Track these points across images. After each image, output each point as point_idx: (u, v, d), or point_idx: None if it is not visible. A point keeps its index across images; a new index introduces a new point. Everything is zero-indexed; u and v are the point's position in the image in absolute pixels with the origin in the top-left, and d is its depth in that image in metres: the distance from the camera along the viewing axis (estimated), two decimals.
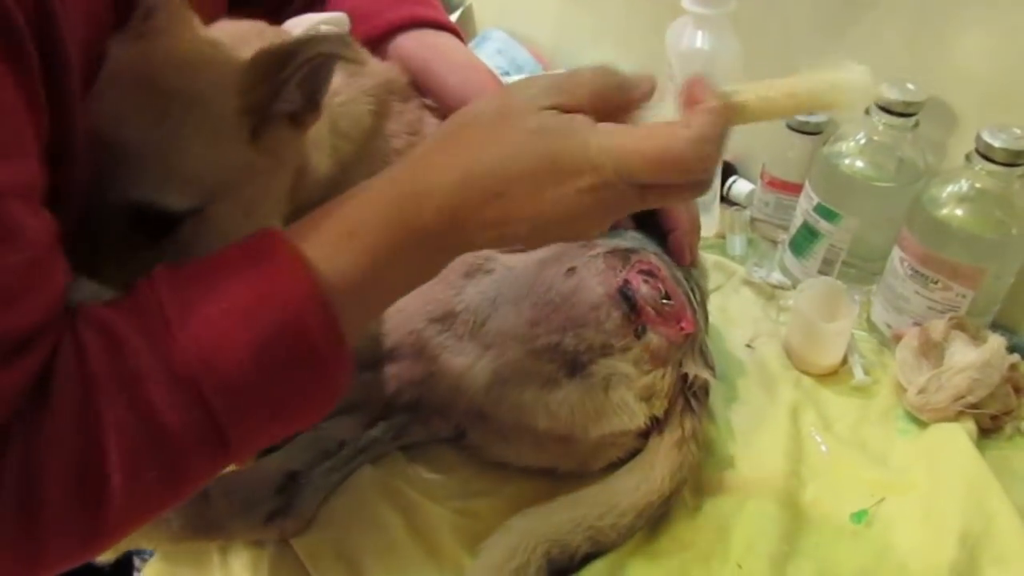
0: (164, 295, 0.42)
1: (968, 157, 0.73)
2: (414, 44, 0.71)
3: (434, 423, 0.66)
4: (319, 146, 0.58)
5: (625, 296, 0.62)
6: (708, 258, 0.90)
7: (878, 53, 0.87)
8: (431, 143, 0.48)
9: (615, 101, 0.46)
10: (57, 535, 0.39)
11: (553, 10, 1.21)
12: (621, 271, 0.63)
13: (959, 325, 0.76)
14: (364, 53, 0.67)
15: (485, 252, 0.65)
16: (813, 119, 0.92)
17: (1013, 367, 0.74)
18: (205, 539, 0.61)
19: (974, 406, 0.72)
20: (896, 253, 0.79)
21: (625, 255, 0.64)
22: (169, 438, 0.40)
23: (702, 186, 0.46)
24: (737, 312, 0.87)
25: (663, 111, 0.47)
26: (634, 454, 0.65)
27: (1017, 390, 0.74)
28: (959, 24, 0.80)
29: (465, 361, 0.62)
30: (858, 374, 0.79)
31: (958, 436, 0.70)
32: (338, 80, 0.60)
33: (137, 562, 0.68)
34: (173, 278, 0.43)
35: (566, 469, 0.66)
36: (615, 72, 0.47)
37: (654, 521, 0.63)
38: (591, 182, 0.43)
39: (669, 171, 0.43)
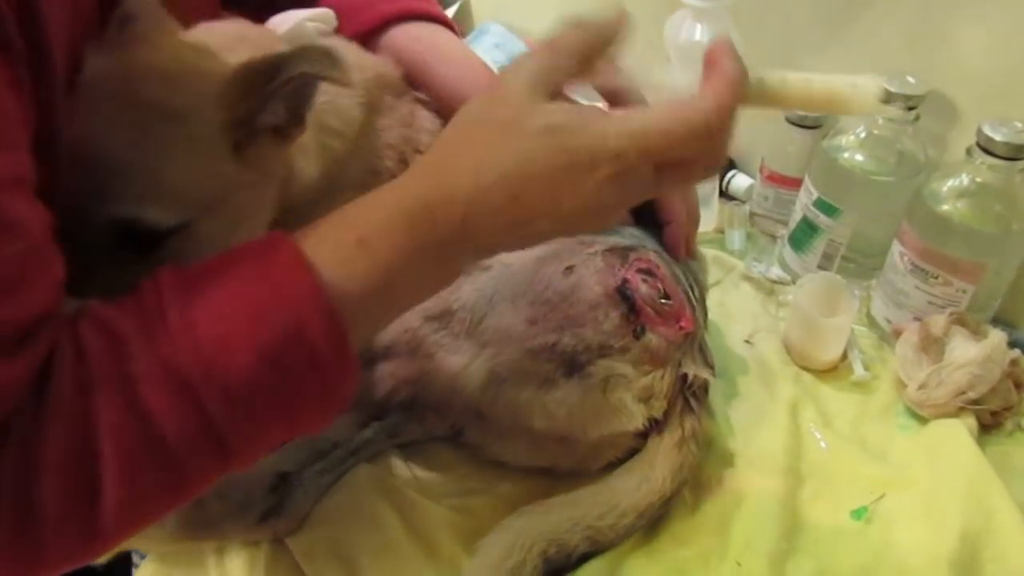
0: (167, 296, 0.41)
1: (969, 151, 0.73)
2: (406, 37, 0.70)
3: (430, 421, 0.65)
4: (305, 151, 0.57)
5: (624, 296, 0.62)
6: (707, 253, 0.89)
7: (879, 46, 0.86)
8: (439, 148, 0.47)
9: (599, 50, 0.47)
10: (55, 535, 0.39)
11: (551, 4, 1.20)
12: (620, 269, 0.62)
13: (959, 320, 0.75)
14: (354, 52, 0.66)
15: None
16: (812, 113, 0.91)
17: (1014, 363, 0.74)
18: (199, 540, 0.60)
19: (975, 402, 0.71)
20: (896, 248, 0.79)
21: (624, 253, 0.64)
22: (166, 442, 0.40)
23: (719, 159, 0.46)
24: (736, 308, 0.87)
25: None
26: (633, 453, 0.65)
27: (1018, 386, 0.74)
28: (960, 17, 0.80)
29: (461, 360, 0.62)
30: (858, 370, 0.79)
31: (958, 432, 0.69)
32: None
33: (136, 558, 0.68)
34: (177, 279, 0.42)
35: (564, 468, 0.65)
36: (587, 25, 0.46)
37: (653, 520, 0.63)
38: (612, 170, 0.43)
39: (694, 141, 0.43)
